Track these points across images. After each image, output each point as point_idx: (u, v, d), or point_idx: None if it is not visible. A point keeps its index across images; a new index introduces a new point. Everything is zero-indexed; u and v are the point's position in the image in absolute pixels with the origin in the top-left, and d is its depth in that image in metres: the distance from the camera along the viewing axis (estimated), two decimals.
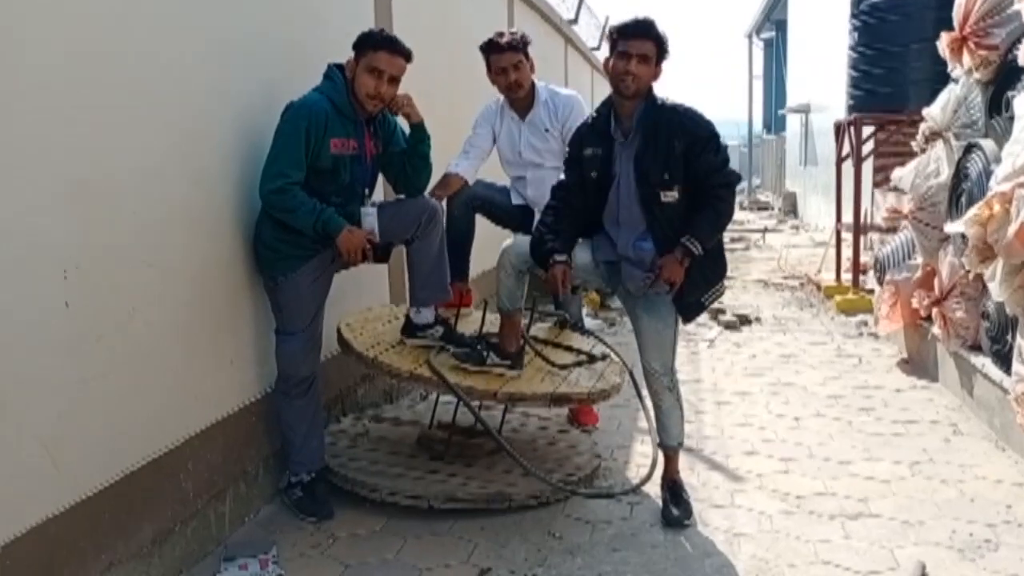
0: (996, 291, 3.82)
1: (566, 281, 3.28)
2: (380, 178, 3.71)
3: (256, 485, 3.51)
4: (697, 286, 3.33)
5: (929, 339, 5.32)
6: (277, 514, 3.50)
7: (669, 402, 3.48)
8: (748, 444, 4.29)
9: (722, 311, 7.48)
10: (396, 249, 3.70)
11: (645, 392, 3.64)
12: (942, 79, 5.57)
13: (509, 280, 3.50)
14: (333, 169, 3.33)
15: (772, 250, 12.37)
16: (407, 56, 3.39)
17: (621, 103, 3.28)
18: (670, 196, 3.24)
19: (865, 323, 6.93)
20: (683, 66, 15.18)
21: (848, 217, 8.41)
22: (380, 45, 3.34)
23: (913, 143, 5.84)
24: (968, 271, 4.40)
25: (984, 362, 4.46)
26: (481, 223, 4.36)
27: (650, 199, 3.25)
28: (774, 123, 25.85)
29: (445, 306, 3.93)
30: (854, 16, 7.93)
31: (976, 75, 4.90)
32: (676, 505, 3.41)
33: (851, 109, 8.05)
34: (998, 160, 4.22)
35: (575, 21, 12.69)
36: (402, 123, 3.62)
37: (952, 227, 4.59)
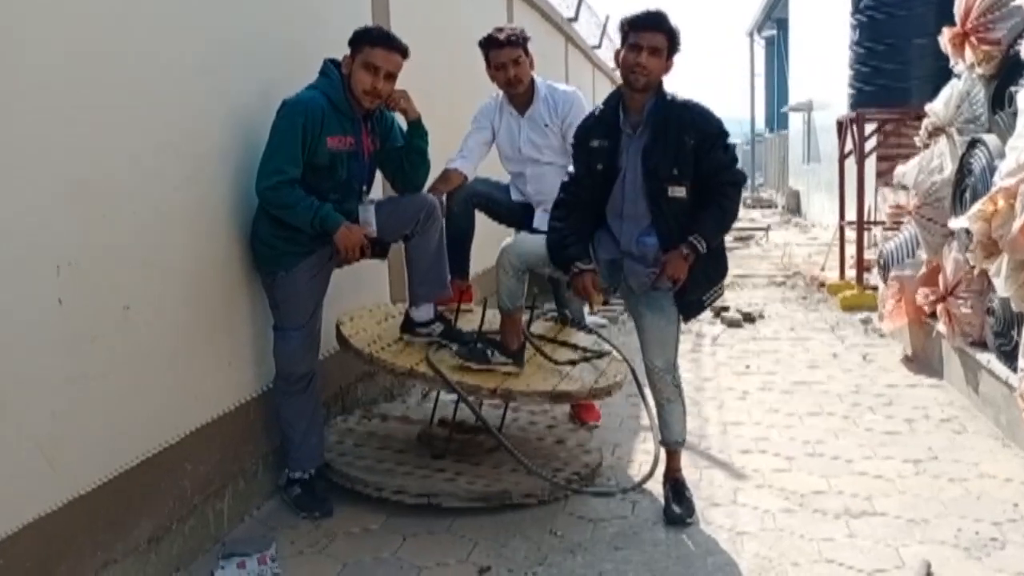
0: (1001, 287, 3.79)
1: (595, 288, 3.28)
2: (379, 175, 3.68)
3: (255, 482, 3.49)
4: (699, 284, 3.30)
5: (934, 336, 5.28)
6: (276, 511, 3.48)
7: (671, 399, 3.45)
8: (751, 441, 4.26)
9: (725, 308, 7.45)
10: (396, 246, 3.67)
11: (647, 389, 3.61)
12: (944, 75, 5.54)
13: (509, 280, 3.47)
14: (330, 166, 3.30)
15: (776, 247, 12.34)
16: (404, 52, 3.36)
17: (631, 96, 3.24)
18: (678, 191, 3.21)
19: (869, 320, 6.90)
20: (684, 64, 15.08)
21: (852, 214, 8.38)
22: (376, 41, 3.31)
23: (916, 139, 5.80)
24: (973, 267, 4.37)
25: (989, 358, 4.42)
26: (482, 220, 4.34)
27: (657, 193, 3.21)
28: (776, 121, 25.84)
29: (445, 303, 3.91)
30: (855, 13, 7.90)
31: (979, 70, 4.87)
32: (678, 503, 3.37)
33: (853, 106, 8.02)
34: (1002, 155, 4.19)
35: (575, 19, 12.65)
36: (400, 120, 3.60)
37: (956, 223, 4.56)
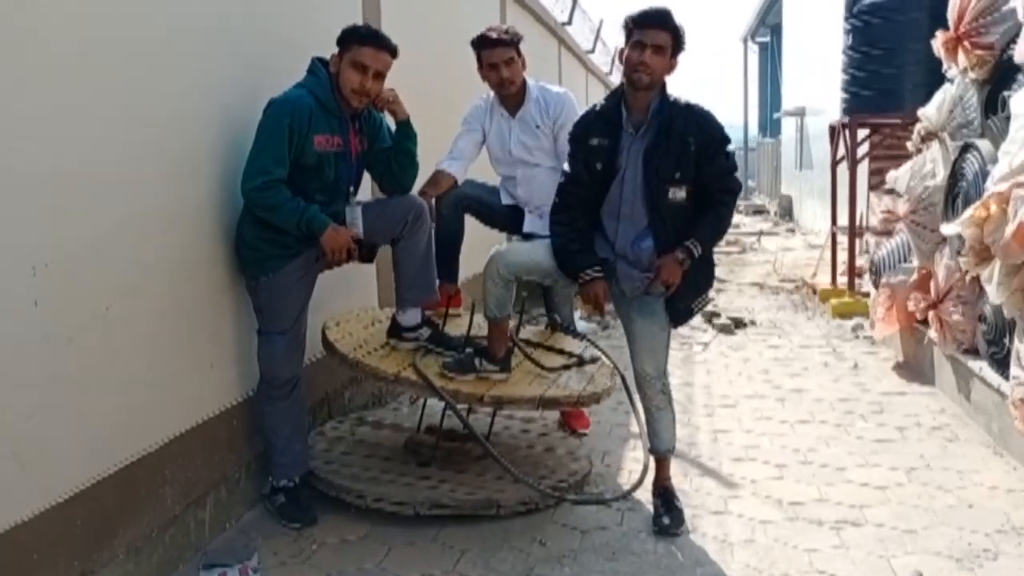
0: (993, 293, 3.76)
1: (606, 298, 3.21)
2: (366, 177, 3.63)
3: (238, 490, 3.43)
4: (690, 291, 3.27)
5: (925, 343, 5.26)
6: (259, 520, 3.42)
7: (661, 407, 3.40)
8: (741, 450, 4.22)
9: (716, 314, 7.42)
10: (384, 250, 3.62)
11: (637, 396, 3.56)
12: (937, 81, 5.53)
13: (497, 290, 3.38)
14: (317, 166, 3.25)
15: (767, 253, 12.32)
16: (393, 52, 3.32)
17: (634, 95, 3.18)
18: (678, 195, 3.16)
19: (860, 327, 6.87)
20: (678, 70, 15.09)
21: (843, 220, 8.36)
22: (365, 40, 3.26)
23: (909, 144, 5.79)
24: (965, 273, 4.35)
25: (981, 366, 4.39)
26: (472, 223, 4.28)
27: (657, 195, 3.16)
28: (769, 127, 25.86)
29: (433, 307, 3.86)
30: (849, 18, 7.88)
31: (972, 75, 4.86)
32: (667, 513, 3.32)
33: (846, 111, 7.99)
34: (994, 160, 4.17)
35: (569, 23, 12.62)
36: (389, 120, 3.55)
37: (948, 229, 4.53)
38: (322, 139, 3.23)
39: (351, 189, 3.46)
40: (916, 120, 5.55)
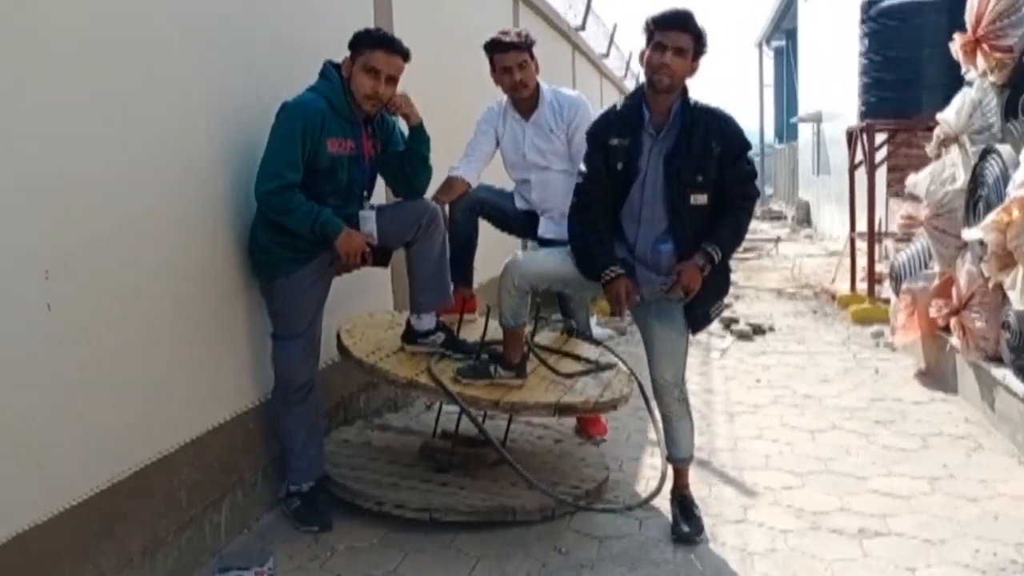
0: (1017, 300, 3.71)
1: (630, 296, 3.11)
2: (380, 181, 3.62)
3: (254, 494, 3.41)
4: (708, 297, 3.22)
5: (947, 350, 5.19)
6: (275, 524, 3.40)
7: (679, 414, 3.36)
8: (761, 457, 4.16)
9: (735, 320, 7.36)
10: (399, 253, 3.60)
11: (654, 403, 3.51)
12: (955, 84, 5.46)
13: (513, 300, 3.33)
14: (330, 170, 3.24)
15: (785, 259, 12.24)
16: (405, 55, 3.30)
17: (655, 97, 3.13)
18: (700, 199, 3.12)
19: (881, 333, 6.80)
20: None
21: (862, 225, 8.29)
22: (377, 44, 3.25)
23: (927, 148, 5.72)
24: (987, 279, 4.29)
25: (1005, 374, 4.32)
26: (487, 228, 4.26)
27: (678, 199, 3.12)
28: (786, 132, 25.77)
29: (448, 312, 3.83)
30: (865, 22, 7.83)
31: (991, 78, 4.79)
32: (686, 521, 3.28)
33: (863, 116, 7.94)
34: (1016, 165, 4.12)
35: (582, 28, 12.61)
36: (401, 124, 3.53)
37: (970, 234, 4.48)
38: (335, 143, 3.22)
39: (364, 193, 3.45)
40: (934, 124, 5.49)
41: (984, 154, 4.69)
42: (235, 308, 3.29)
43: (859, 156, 8.18)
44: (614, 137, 3.16)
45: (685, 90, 3.16)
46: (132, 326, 2.66)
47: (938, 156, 5.50)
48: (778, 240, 14.55)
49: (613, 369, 3.87)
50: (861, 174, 8.20)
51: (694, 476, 3.58)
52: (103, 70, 2.56)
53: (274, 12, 3.65)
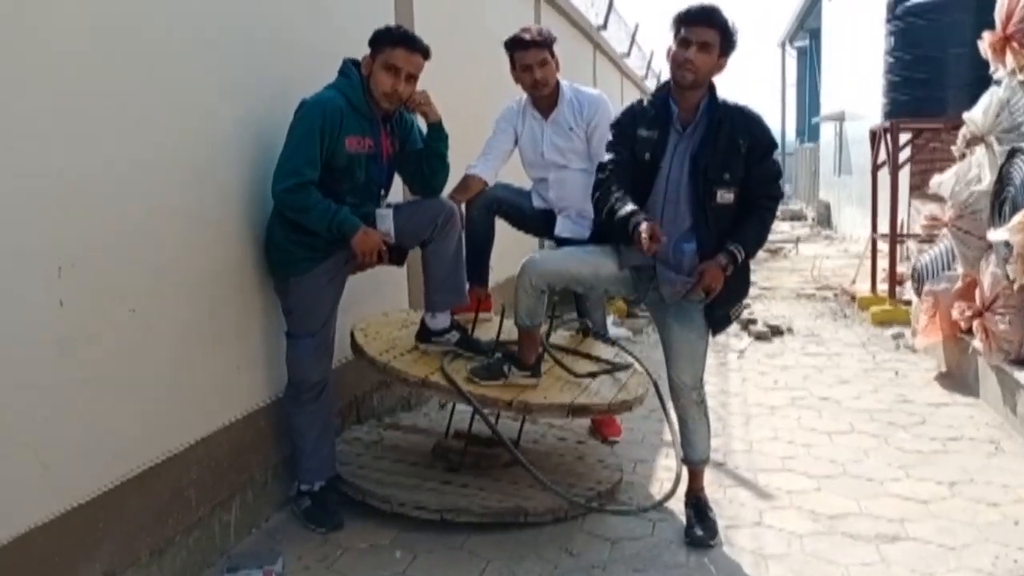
0: None
1: (657, 234, 2.86)
2: (397, 179, 3.59)
3: (264, 493, 3.40)
4: (730, 298, 3.16)
5: (970, 352, 5.10)
6: (285, 524, 3.39)
7: (696, 416, 3.31)
8: (778, 460, 4.11)
9: (753, 321, 7.29)
10: (415, 252, 3.58)
11: (670, 404, 3.47)
12: (981, 84, 5.38)
13: (529, 300, 3.28)
14: (348, 168, 3.22)
15: (805, 260, 12.13)
16: (425, 53, 3.28)
17: (681, 94, 3.08)
18: (727, 197, 3.06)
19: (901, 335, 6.71)
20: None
21: (884, 226, 8.19)
22: (398, 42, 3.23)
23: (953, 148, 5.64)
24: (1012, 281, 4.21)
25: None
26: (503, 227, 4.23)
27: (704, 197, 3.06)
28: (808, 132, 25.57)
29: (463, 311, 3.80)
30: (890, 21, 7.73)
31: (1020, 77, 4.71)
32: (700, 524, 3.24)
33: (887, 115, 7.84)
34: None
35: (604, 27, 12.55)
36: (420, 122, 3.51)
37: (995, 235, 4.41)
38: (353, 141, 3.20)
39: (382, 191, 3.43)
40: (960, 124, 5.41)
41: (1012, 154, 4.61)
42: (249, 306, 3.28)
43: (882, 156, 8.08)
44: (643, 128, 3.11)
45: (712, 87, 3.11)
46: (141, 325, 2.65)
47: (963, 156, 5.42)
48: (798, 240, 14.42)
49: (629, 369, 3.83)
50: (884, 174, 8.09)
51: (709, 478, 3.53)
52: (124, 70, 2.56)
53: (297, 11, 3.64)
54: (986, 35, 4.93)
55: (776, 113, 29.19)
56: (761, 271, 10.70)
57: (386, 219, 3.30)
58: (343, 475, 3.49)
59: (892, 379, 5.60)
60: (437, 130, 3.46)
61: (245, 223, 3.23)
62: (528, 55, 3.87)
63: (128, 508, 2.61)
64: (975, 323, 4.84)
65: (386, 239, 3.25)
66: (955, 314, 5.14)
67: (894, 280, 7.81)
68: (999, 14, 4.80)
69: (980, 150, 5.15)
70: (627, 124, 3.17)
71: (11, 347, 2.19)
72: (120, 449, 2.59)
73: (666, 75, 3.18)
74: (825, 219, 18.51)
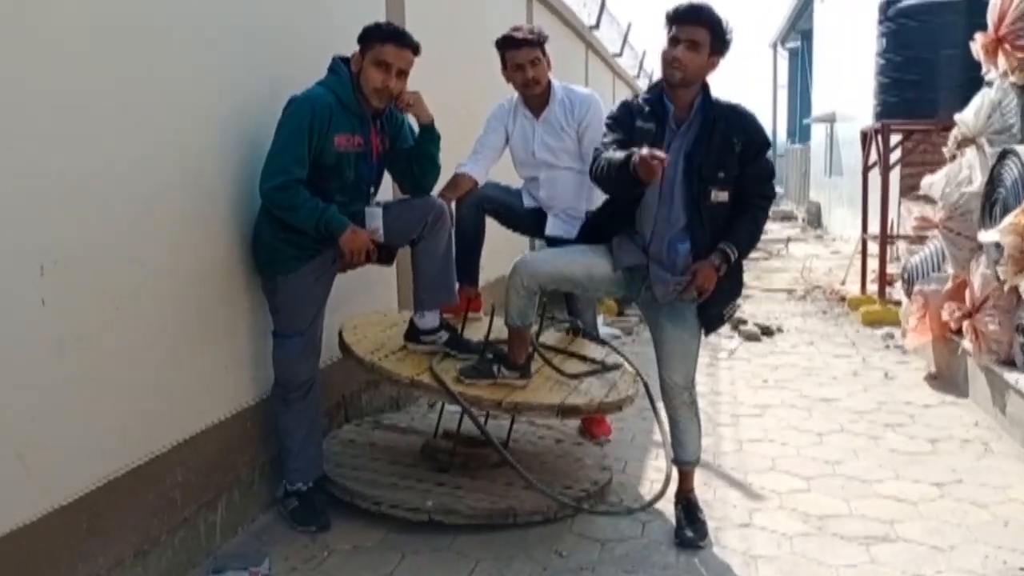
0: None
1: (658, 154, 2.74)
2: (387, 177, 3.57)
3: (250, 493, 3.37)
4: (723, 297, 3.16)
5: (959, 353, 5.11)
6: (272, 524, 3.36)
7: (687, 417, 3.30)
8: (768, 460, 4.10)
9: (743, 321, 7.29)
10: (404, 251, 3.55)
11: (660, 404, 3.46)
12: (972, 86, 5.39)
13: (520, 301, 3.25)
14: (337, 166, 3.19)
15: (795, 260, 12.15)
16: (415, 49, 3.25)
17: (674, 92, 3.05)
18: (721, 196, 3.04)
19: (891, 335, 6.72)
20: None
21: (874, 227, 8.20)
22: (387, 38, 3.20)
23: (944, 149, 5.65)
24: (1002, 282, 4.21)
25: (1018, 378, 4.25)
26: (493, 226, 4.21)
27: (698, 196, 3.03)
28: (799, 133, 25.64)
29: (452, 311, 3.78)
30: (882, 22, 7.74)
31: (1012, 78, 4.72)
32: (690, 525, 3.23)
33: (878, 117, 7.86)
34: None
35: (596, 26, 12.54)
36: (411, 120, 3.48)
37: (986, 236, 4.41)
38: (343, 139, 3.17)
39: (371, 190, 3.40)
40: (951, 125, 5.42)
41: (1002, 156, 4.62)
42: (236, 305, 3.25)
43: (873, 157, 8.10)
44: (640, 120, 3.08)
45: (706, 86, 3.09)
46: (128, 325, 2.62)
47: (954, 157, 5.43)
48: (788, 240, 14.45)
49: (619, 369, 3.81)
50: (874, 175, 8.11)
51: (699, 479, 3.52)
52: (110, 69, 2.53)
53: (286, 9, 3.61)
54: (978, 37, 4.94)
55: (767, 114, 29.26)
56: (751, 271, 10.69)
57: (375, 217, 3.28)
58: (331, 475, 3.46)
59: (882, 379, 5.61)
60: (429, 131, 3.43)
61: (234, 220, 3.20)
62: (520, 54, 3.85)
63: (112, 508, 2.57)
64: (965, 324, 4.85)
65: (375, 238, 3.23)
66: (945, 315, 5.15)
67: (884, 280, 7.83)
68: (991, 16, 4.81)
69: (971, 152, 5.16)
70: (623, 116, 3.14)
71: None
72: (105, 449, 2.56)
73: (658, 75, 3.16)
74: (815, 220, 18.56)
